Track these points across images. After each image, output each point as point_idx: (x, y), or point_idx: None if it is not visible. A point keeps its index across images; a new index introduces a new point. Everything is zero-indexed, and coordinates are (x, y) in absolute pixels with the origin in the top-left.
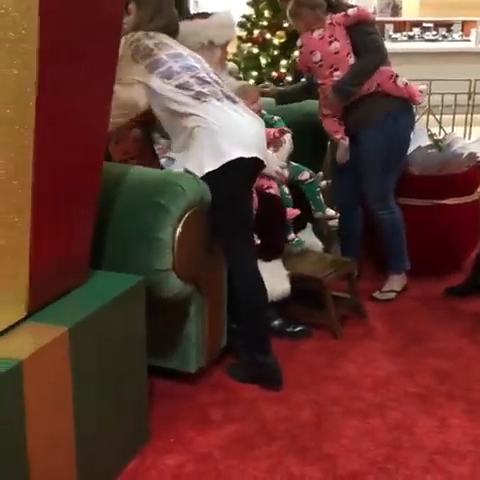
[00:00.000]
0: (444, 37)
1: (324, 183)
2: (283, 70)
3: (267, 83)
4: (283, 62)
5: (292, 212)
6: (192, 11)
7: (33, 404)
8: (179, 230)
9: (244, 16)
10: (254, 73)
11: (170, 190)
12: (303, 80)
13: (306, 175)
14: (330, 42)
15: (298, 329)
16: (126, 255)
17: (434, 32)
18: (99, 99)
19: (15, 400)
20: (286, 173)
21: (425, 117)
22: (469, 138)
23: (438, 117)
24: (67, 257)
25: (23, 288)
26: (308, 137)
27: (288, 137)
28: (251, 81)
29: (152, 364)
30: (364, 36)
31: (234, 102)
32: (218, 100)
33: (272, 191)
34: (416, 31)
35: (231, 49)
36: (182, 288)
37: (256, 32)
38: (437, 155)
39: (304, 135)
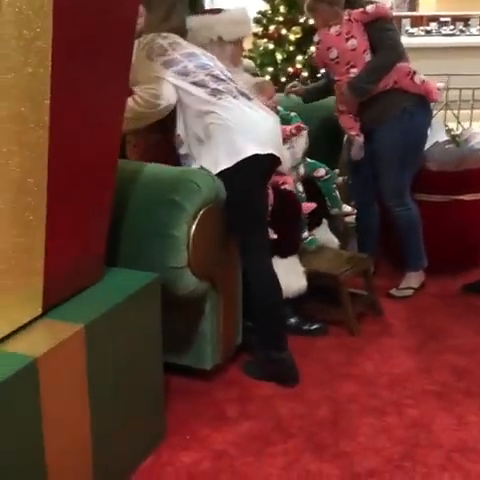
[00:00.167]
0: (461, 31)
1: (340, 179)
2: (299, 66)
3: (295, 82)
4: (299, 58)
5: (308, 206)
6: (207, 8)
7: (49, 401)
8: (194, 227)
9: (260, 12)
10: (270, 69)
11: (185, 187)
12: (320, 75)
13: (322, 172)
14: (347, 39)
15: (314, 327)
16: (141, 252)
17: (451, 26)
18: (113, 96)
19: (31, 397)
20: (301, 170)
21: (443, 112)
22: None
23: (456, 112)
24: (83, 254)
25: (39, 285)
26: (324, 133)
27: (304, 134)
28: (267, 77)
29: (168, 361)
30: (382, 33)
31: (249, 99)
32: (233, 97)
33: (287, 187)
34: (433, 26)
35: (247, 45)
36: (197, 285)
37: (272, 28)
38: (454, 150)
39: (320, 131)
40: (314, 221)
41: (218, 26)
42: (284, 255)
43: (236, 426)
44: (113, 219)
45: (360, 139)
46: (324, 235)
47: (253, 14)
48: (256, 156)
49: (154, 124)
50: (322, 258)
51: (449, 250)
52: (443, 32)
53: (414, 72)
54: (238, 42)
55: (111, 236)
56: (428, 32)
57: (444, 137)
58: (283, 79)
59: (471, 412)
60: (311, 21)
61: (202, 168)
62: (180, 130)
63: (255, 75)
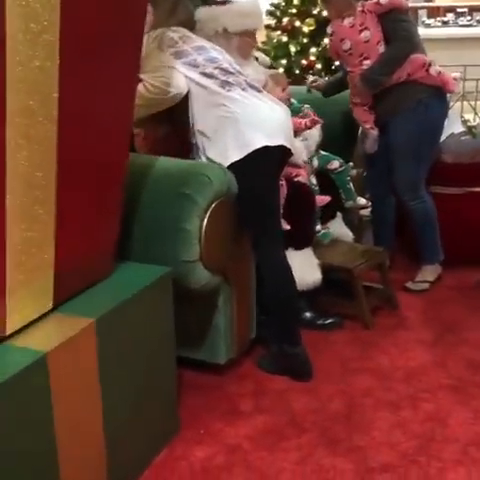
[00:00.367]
0: (479, 22)
1: (354, 172)
2: (313, 58)
3: (316, 77)
4: (313, 50)
5: (322, 199)
6: None
7: (60, 396)
8: (206, 221)
9: (273, 4)
10: (284, 61)
11: (196, 180)
12: (334, 67)
13: (336, 164)
14: (360, 31)
15: (329, 321)
16: (153, 247)
17: (468, 17)
18: (123, 89)
19: (41, 392)
20: (315, 162)
21: (459, 103)
22: None
23: (473, 103)
24: (93, 249)
25: (49, 280)
26: (338, 126)
27: (317, 126)
28: (281, 69)
29: (181, 355)
30: (396, 24)
31: (258, 91)
32: (242, 89)
33: (301, 179)
34: (450, 16)
35: (261, 38)
36: (209, 279)
37: (285, 20)
38: (471, 142)
39: (335, 124)
40: (328, 214)
41: (223, 18)
42: (298, 247)
43: (250, 420)
44: (124, 213)
45: (374, 132)
46: (338, 228)
47: (266, 6)
48: (266, 148)
49: (163, 116)
50: (336, 251)
51: (465, 243)
52: (460, 23)
53: (430, 64)
54: (246, 34)
55: (123, 230)
56: (445, 23)
57: (460, 128)
58: (297, 71)
59: None
60: (325, 13)
61: (211, 161)
62: (192, 122)
63: (272, 68)
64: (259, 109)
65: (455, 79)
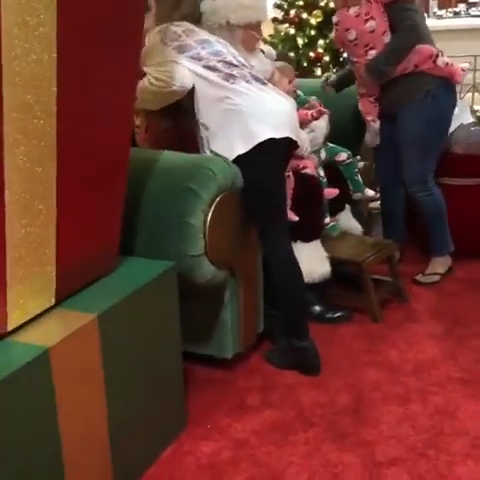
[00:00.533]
0: None
1: (361, 164)
2: (320, 50)
3: (329, 74)
4: (320, 42)
5: (331, 192)
6: None
7: (63, 392)
8: (210, 215)
9: None
10: (291, 54)
11: (200, 174)
12: (342, 59)
13: (343, 156)
14: (366, 20)
15: (338, 315)
16: (157, 241)
17: None
18: (124, 82)
19: (44, 388)
20: (323, 154)
21: (470, 94)
22: None
23: None
24: (96, 244)
25: (51, 276)
26: (347, 118)
27: (325, 118)
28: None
29: (188, 350)
30: (401, 13)
31: (263, 83)
32: (246, 82)
33: (308, 171)
34: (462, 7)
35: (268, 31)
36: (215, 274)
37: (292, 12)
38: None
39: (343, 116)
40: (337, 207)
41: (226, 10)
42: (307, 239)
43: (257, 415)
44: (128, 208)
45: (375, 125)
46: (347, 221)
47: None
48: (272, 140)
49: (165, 109)
50: (345, 245)
51: (476, 234)
52: (472, 13)
53: (437, 55)
54: (250, 27)
55: (127, 225)
56: (456, 13)
57: (470, 119)
58: (305, 64)
59: None
60: (332, 4)
61: (216, 154)
62: (197, 116)
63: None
64: (264, 101)
65: (463, 70)
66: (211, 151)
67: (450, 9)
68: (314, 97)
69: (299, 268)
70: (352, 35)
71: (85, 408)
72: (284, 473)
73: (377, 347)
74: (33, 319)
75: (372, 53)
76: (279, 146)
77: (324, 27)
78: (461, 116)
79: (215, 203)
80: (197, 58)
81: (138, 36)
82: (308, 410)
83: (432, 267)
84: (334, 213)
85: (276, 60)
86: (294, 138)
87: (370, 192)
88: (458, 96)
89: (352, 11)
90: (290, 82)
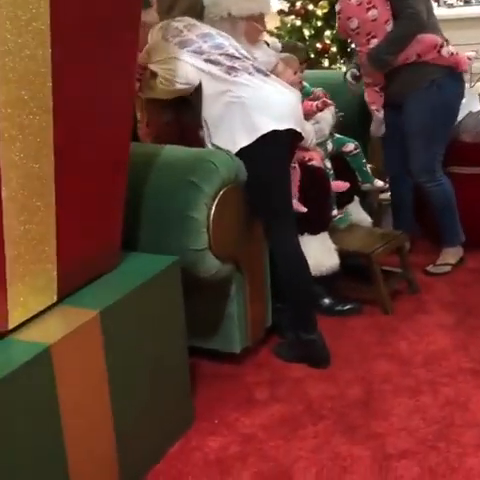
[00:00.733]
0: None
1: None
2: (327, 41)
3: (353, 70)
4: (327, 33)
5: (340, 185)
6: None
7: (66, 389)
8: (214, 208)
9: None
10: None
11: (202, 168)
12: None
13: (351, 146)
14: (368, 9)
15: (347, 307)
16: (161, 236)
17: None
18: (121, 75)
19: (46, 385)
20: (330, 146)
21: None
22: None
23: None
24: (97, 241)
25: (52, 273)
26: (355, 109)
27: (331, 109)
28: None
29: (196, 345)
30: (402, 1)
31: (266, 75)
32: (249, 74)
33: (315, 163)
34: None
35: (274, 23)
36: (220, 268)
37: (298, 4)
38: None
39: (351, 107)
40: (344, 199)
41: (227, 2)
42: (314, 232)
43: (266, 409)
44: (131, 204)
45: (379, 115)
46: (356, 213)
47: None
48: (275, 132)
49: (167, 103)
50: (354, 236)
51: None
52: None
53: (441, 45)
54: (252, 19)
55: (130, 221)
56: (467, 2)
57: (478, 107)
58: (312, 55)
59: None
60: None
61: (219, 148)
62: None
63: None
64: (266, 93)
65: (469, 58)
66: (213, 144)
67: None
68: (320, 88)
69: (305, 261)
70: (354, 24)
71: (89, 405)
72: (292, 467)
73: (387, 339)
74: (35, 317)
75: (374, 42)
76: (283, 138)
77: (330, 18)
78: (470, 104)
79: (218, 197)
80: (199, 52)
81: (135, 30)
82: (317, 403)
83: (443, 258)
84: (342, 205)
85: (285, 50)
86: (298, 130)
87: (379, 183)
88: (469, 84)
89: (354, 0)
90: (295, 73)
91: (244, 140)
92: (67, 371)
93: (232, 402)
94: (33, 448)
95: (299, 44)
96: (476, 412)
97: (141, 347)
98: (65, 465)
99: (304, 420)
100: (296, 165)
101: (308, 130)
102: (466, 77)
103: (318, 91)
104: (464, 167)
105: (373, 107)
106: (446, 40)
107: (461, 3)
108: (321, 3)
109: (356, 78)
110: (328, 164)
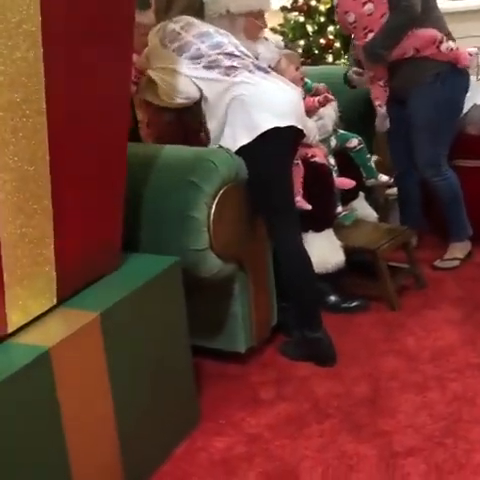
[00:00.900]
0: None
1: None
2: (331, 37)
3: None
4: (330, 28)
5: (345, 183)
6: None
7: (67, 392)
8: (214, 208)
9: None
10: (302, 42)
11: (201, 167)
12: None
13: (354, 142)
14: (364, 3)
15: (354, 304)
16: (162, 237)
17: None
18: (117, 75)
19: (46, 389)
20: (333, 142)
21: None
22: None
23: None
24: (96, 242)
25: (51, 276)
26: (358, 104)
27: (333, 105)
28: (299, 50)
29: (200, 345)
30: None
31: (266, 72)
32: (249, 72)
33: (318, 160)
34: None
35: (278, 19)
36: (222, 267)
37: (301, 0)
38: None
39: (354, 102)
40: (349, 195)
41: None
42: (318, 229)
43: (271, 409)
44: (132, 205)
45: (382, 110)
46: (362, 209)
47: None
48: (276, 129)
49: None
50: (359, 233)
51: None
52: None
53: (441, 40)
54: (252, 15)
55: (131, 222)
56: None
57: None
58: (316, 51)
59: None
60: None
61: (220, 147)
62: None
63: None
64: (267, 90)
65: (470, 54)
66: (215, 144)
67: None
68: (322, 84)
69: (309, 259)
70: (351, 18)
71: (90, 408)
72: (298, 467)
73: (394, 335)
74: (35, 319)
75: (371, 36)
76: (284, 135)
77: (333, 13)
78: (475, 96)
79: (218, 196)
80: (197, 57)
81: (129, 30)
82: (323, 402)
83: (451, 252)
84: (347, 202)
85: None
86: (300, 127)
87: (384, 177)
88: (476, 77)
89: None
90: (297, 69)
91: (245, 138)
92: (67, 374)
93: (238, 402)
94: (34, 452)
95: (294, 45)
96: None
97: (143, 348)
98: (68, 469)
99: (310, 419)
100: (299, 162)
101: (310, 127)
102: (473, 70)
103: (320, 86)
104: (470, 160)
105: (376, 102)
106: (448, 33)
107: None
108: None
109: (359, 75)
110: (332, 160)
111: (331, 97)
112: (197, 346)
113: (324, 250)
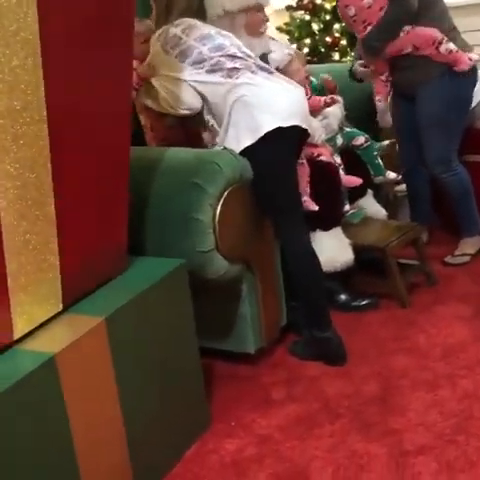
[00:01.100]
0: None
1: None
2: (337, 34)
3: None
4: (336, 26)
5: (352, 181)
6: None
7: (74, 398)
8: (219, 209)
9: None
10: (308, 40)
11: (206, 169)
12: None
13: (361, 140)
14: None
15: (364, 302)
16: (168, 239)
17: None
18: (117, 83)
19: (52, 395)
20: (339, 140)
21: None
22: None
23: None
24: (102, 247)
25: (56, 282)
26: (364, 101)
27: (339, 104)
28: (305, 49)
29: (210, 346)
30: None
31: (270, 72)
32: (252, 72)
33: (324, 158)
34: None
35: (283, 19)
36: (228, 268)
37: None
38: None
39: (360, 99)
40: (357, 193)
41: None
42: (326, 228)
43: (282, 409)
44: (136, 207)
45: (381, 105)
46: (370, 207)
47: None
48: (279, 129)
49: None
50: (368, 230)
51: None
52: None
53: (440, 41)
54: (250, 10)
55: (136, 225)
56: None
57: None
58: (322, 49)
59: None
60: None
61: (225, 148)
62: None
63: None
64: (270, 90)
65: (470, 59)
66: (219, 145)
67: None
68: (327, 74)
69: (316, 259)
70: (351, 11)
71: (98, 414)
72: (308, 467)
73: (405, 333)
74: (40, 326)
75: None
76: (288, 135)
77: None
78: None
79: (223, 197)
80: (200, 61)
81: (128, 34)
82: (334, 401)
83: (461, 248)
84: (354, 200)
85: None
86: (304, 126)
87: (392, 174)
88: None
89: None
90: (303, 67)
91: (248, 139)
92: (74, 379)
93: (248, 403)
94: (42, 460)
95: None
96: None
97: (150, 352)
98: (77, 474)
99: (320, 419)
100: (304, 161)
101: (315, 126)
102: None
103: (326, 76)
104: (479, 155)
105: (377, 97)
106: (453, 28)
107: None
108: None
109: (364, 67)
110: (338, 159)
111: (337, 98)
112: (207, 348)
113: (333, 249)
